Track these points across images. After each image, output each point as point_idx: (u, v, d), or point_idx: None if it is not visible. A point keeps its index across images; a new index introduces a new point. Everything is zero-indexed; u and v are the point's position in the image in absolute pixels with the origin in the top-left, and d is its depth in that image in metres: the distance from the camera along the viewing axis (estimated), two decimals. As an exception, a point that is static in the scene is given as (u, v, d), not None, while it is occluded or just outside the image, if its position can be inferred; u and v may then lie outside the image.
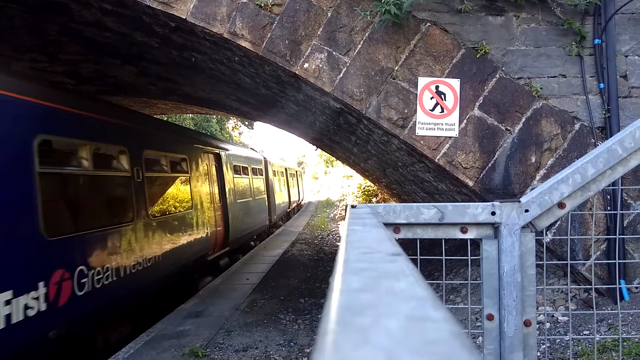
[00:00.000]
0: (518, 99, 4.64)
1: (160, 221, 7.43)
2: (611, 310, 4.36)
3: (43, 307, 4.44)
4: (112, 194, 6.43)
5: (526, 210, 1.44)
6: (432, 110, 4.66)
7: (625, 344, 3.79)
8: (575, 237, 4.54)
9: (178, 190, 8.65)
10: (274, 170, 18.85)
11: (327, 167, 37.20)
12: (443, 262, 1.66)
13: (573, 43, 4.64)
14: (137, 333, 6.28)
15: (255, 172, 15.30)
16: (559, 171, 1.58)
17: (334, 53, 4.69)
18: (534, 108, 4.63)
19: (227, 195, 11.34)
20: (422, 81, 4.66)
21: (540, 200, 1.44)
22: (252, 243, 14.56)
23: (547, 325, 4.46)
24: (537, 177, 4.59)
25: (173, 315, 6.87)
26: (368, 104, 4.70)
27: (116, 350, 5.59)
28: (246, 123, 31.22)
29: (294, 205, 28.76)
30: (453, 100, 4.65)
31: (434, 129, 4.67)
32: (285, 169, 23.69)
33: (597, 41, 4.60)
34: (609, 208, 4.53)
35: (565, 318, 4.49)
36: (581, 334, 4.17)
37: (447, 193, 5.74)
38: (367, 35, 4.68)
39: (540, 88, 4.62)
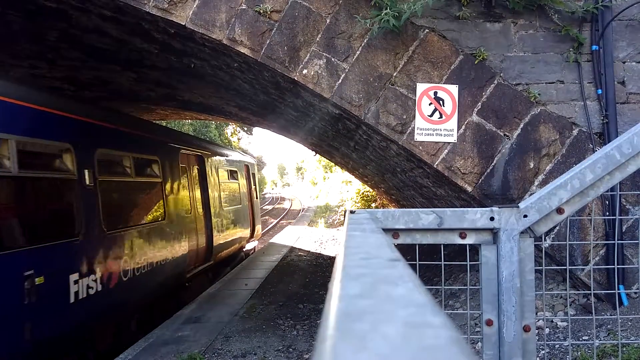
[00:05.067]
0: (516, 105, 4.65)
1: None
2: (610, 315, 4.35)
3: None
4: None
5: (525, 216, 1.44)
6: (431, 116, 4.67)
7: (624, 349, 3.78)
8: (574, 242, 4.54)
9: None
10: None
11: (326, 172, 37.17)
12: (442, 268, 1.66)
13: (571, 49, 4.67)
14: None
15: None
16: (557, 177, 1.58)
17: (332, 59, 4.71)
18: (532, 114, 4.65)
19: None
20: (421, 87, 4.67)
21: (538, 206, 1.45)
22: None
23: (547, 330, 4.46)
24: (536, 183, 4.59)
25: (171, 320, 6.85)
26: (367, 110, 4.71)
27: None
28: (245, 129, 31.27)
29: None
30: (451, 106, 4.66)
31: (433, 134, 4.68)
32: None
33: (594, 47, 4.62)
34: (607, 213, 4.53)
35: (565, 323, 4.48)
36: (580, 339, 4.16)
37: (446, 198, 5.75)
38: (365, 41, 4.70)
39: (539, 94, 4.64)
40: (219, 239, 10.69)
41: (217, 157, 11.61)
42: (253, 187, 15.94)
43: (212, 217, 10.27)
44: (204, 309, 7.36)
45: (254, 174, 16.37)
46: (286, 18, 4.71)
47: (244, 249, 14.20)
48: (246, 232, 13.90)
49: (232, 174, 12.91)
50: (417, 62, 4.69)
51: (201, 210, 9.84)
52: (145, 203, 7.57)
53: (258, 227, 16.16)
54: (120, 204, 6.74)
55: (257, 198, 16.57)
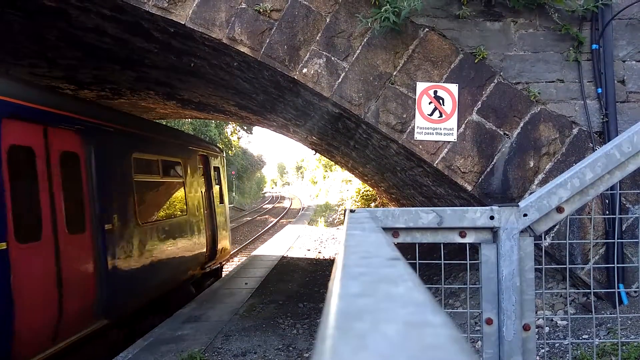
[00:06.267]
0: (516, 104, 4.65)
1: None
2: (610, 314, 4.35)
3: None
4: None
5: (525, 215, 1.44)
6: (431, 115, 4.67)
7: (624, 347, 3.78)
8: (574, 241, 4.54)
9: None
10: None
11: (326, 171, 37.19)
12: (442, 267, 1.66)
13: (571, 48, 4.66)
14: None
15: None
16: (557, 176, 1.58)
17: (332, 58, 4.70)
18: (532, 113, 4.65)
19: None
20: (421, 86, 4.67)
21: (538, 205, 1.45)
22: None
23: (546, 329, 4.46)
24: (536, 182, 4.59)
25: (171, 319, 6.85)
26: (367, 109, 4.71)
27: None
28: (245, 128, 31.30)
29: None
30: (451, 105, 4.66)
31: (433, 133, 4.68)
32: None
33: (594, 46, 4.62)
34: (607, 212, 4.53)
35: (564, 322, 4.49)
36: (580, 338, 4.16)
37: (446, 197, 5.75)
38: (365, 40, 4.70)
39: (538, 93, 4.64)
40: (128, 276, 6.32)
41: (133, 139, 6.96)
42: (216, 186, 10.81)
43: (111, 241, 5.94)
44: (204, 308, 7.37)
45: (217, 168, 11.17)
46: (286, 17, 4.70)
47: (200, 276, 9.73)
48: (198, 255, 9.24)
49: (171, 168, 8.53)
50: (417, 61, 4.69)
51: (83, 228, 5.45)
52: None
53: (224, 244, 11.06)
54: None
55: (223, 202, 11.36)
